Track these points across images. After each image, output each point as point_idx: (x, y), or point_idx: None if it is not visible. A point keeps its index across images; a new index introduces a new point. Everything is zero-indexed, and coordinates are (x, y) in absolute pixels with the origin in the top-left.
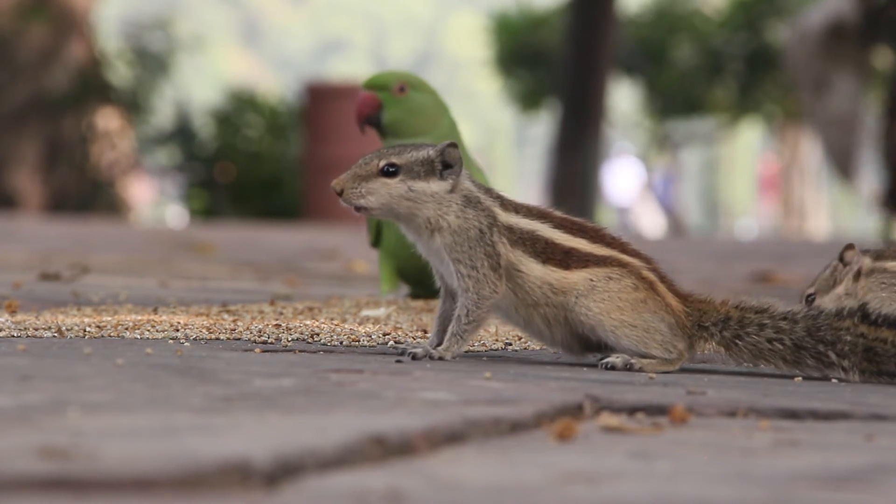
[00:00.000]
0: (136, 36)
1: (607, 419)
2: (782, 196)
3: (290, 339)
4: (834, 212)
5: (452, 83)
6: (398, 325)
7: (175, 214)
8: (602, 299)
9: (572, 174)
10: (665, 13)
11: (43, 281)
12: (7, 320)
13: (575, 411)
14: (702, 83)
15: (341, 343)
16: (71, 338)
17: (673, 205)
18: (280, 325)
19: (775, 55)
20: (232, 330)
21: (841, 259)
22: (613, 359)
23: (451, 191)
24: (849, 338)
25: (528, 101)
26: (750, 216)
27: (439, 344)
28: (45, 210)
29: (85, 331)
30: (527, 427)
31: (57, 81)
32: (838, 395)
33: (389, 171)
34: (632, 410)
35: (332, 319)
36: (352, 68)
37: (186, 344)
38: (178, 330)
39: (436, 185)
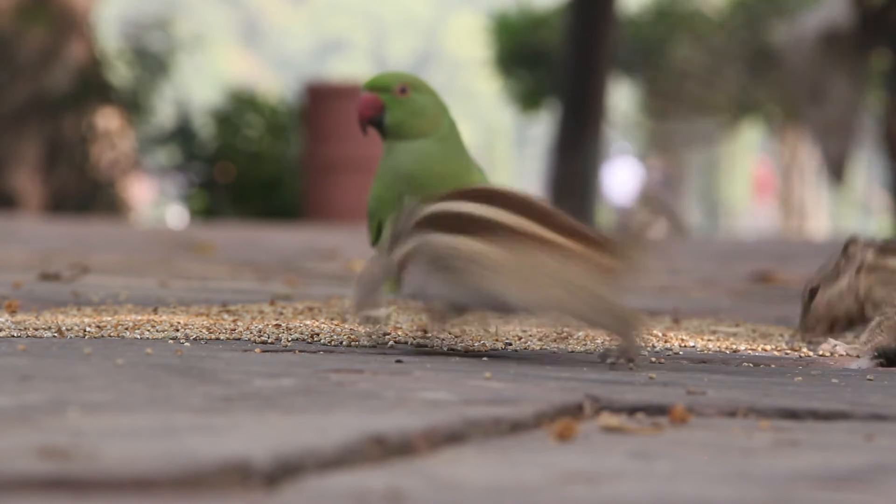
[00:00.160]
0: (136, 36)
1: (607, 419)
2: (777, 197)
3: (290, 339)
4: (834, 212)
5: (452, 83)
6: (398, 325)
7: (175, 214)
8: None
9: (572, 174)
10: (665, 13)
11: (43, 281)
12: (7, 320)
13: (575, 411)
14: (702, 83)
15: (341, 343)
16: (71, 338)
17: (673, 205)
18: (280, 325)
19: (775, 55)
20: (232, 330)
21: (844, 252)
22: None
23: None
24: None
25: (528, 101)
26: (746, 216)
27: None
28: (45, 210)
29: (85, 331)
30: (527, 427)
31: (57, 81)
32: (838, 395)
33: None
34: (632, 410)
35: (332, 319)
36: (352, 68)
37: (186, 344)
38: (178, 330)
39: None
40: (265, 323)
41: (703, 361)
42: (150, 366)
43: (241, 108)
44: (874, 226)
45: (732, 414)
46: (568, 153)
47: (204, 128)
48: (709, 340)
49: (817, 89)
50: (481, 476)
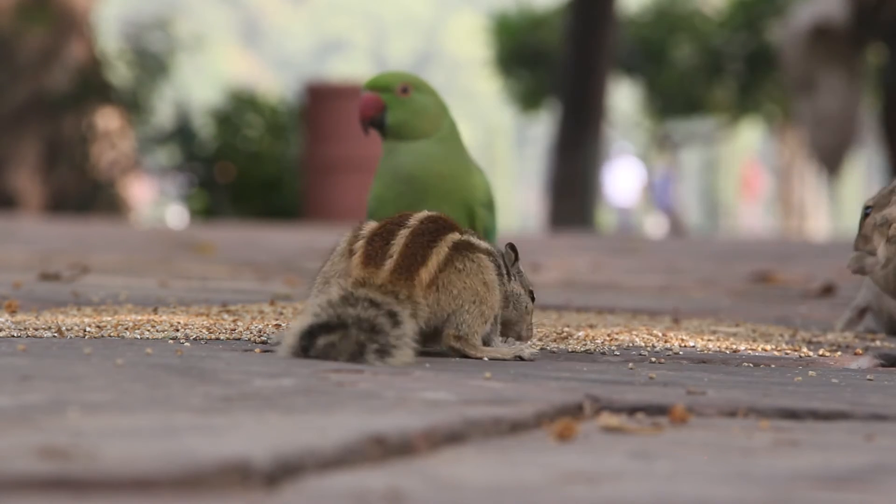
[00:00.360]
0: (136, 36)
1: (607, 419)
2: (766, 196)
3: None
4: (834, 211)
5: (452, 83)
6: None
7: (175, 214)
8: None
9: (572, 174)
10: (665, 13)
11: (43, 281)
12: (7, 320)
13: (575, 411)
14: (702, 83)
15: None
16: (71, 338)
17: (673, 205)
18: (280, 325)
19: (775, 55)
20: (232, 330)
21: None
22: None
23: None
24: None
25: (528, 101)
26: (736, 216)
27: None
28: (45, 210)
29: (85, 331)
30: (527, 427)
31: (57, 81)
32: (838, 395)
33: None
34: (632, 410)
35: None
36: (352, 68)
37: (186, 344)
38: (178, 330)
39: None
40: (265, 323)
41: (703, 361)
42: (150, 366)
43: (241, 108)
44: None
45: (732, 414)
46: (568, 153)
47: (204, 128)
48: (709, 340)
49: (810, 81)
50: (481, 476)
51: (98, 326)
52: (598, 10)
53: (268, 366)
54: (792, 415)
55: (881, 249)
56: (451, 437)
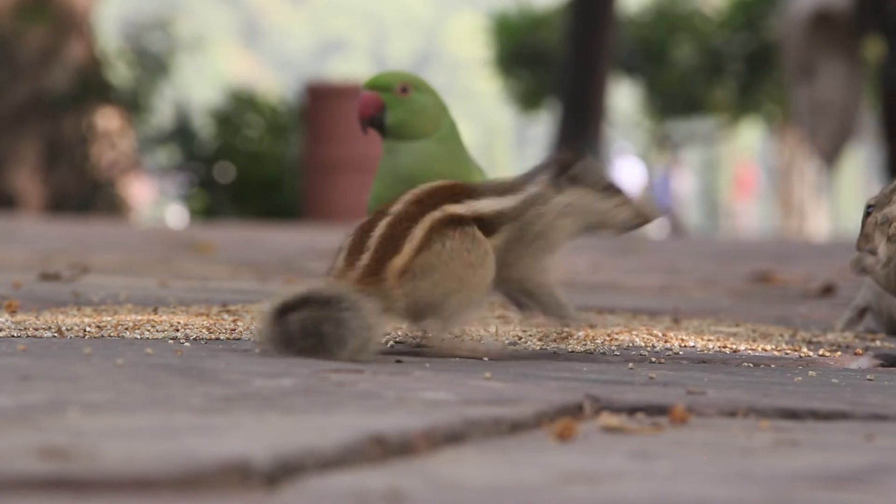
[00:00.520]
0: (136, 36)
1: (607, 419)
2: (759, 196)
3: None
4: (833, 211)
5: (452, 83)
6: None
7: (175, 214)
8: None
9: None
10: (665, 13)
11: (43, 281)
12: (7, 320)
13: (575, 411)
14: (702, 83)
15: None
16: (71, 338)
17: (673, 205)
18: None
19: (775, 55)
20: (232, 330)
21: None
22: None
23: None
24: None
25: (528, 101)
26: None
27: None
28: (45, 210)
29: (85, 331)
30: (527, 427)
31: (57, 81)
32: (838, 395)
33: None
34: (632, 410)
35: None
36: (352, 68)
37: (186, 344)
38: (178, 330)
39: None
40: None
41: (703, 361)
42: (150, 366)
43: (241, 108)
44: None
45: (732, 414)
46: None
47: (204, 128)
48: (709, 340)
49: (809, 69)
50: (481, 476)
51: (98, 326)
52: (598, 10)
53: (268, 366)
54: (792, 415)
55: (882, 248)
56: (451, 437)
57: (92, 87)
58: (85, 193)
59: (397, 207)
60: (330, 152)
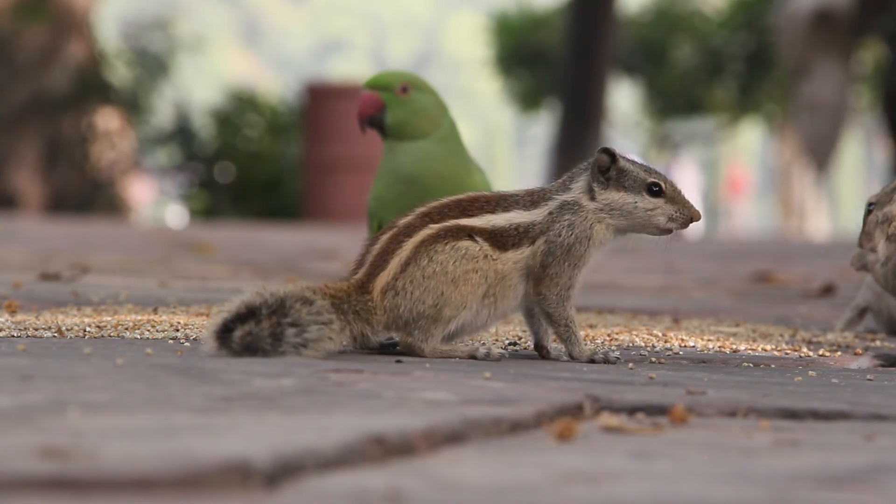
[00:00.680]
0: (136, 36)
1: (607, 419)
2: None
3: None
4: (834, 212)
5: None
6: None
7: (175, 214)
8: None
9: None
10: (665, 13)
11: (43, 281)
12: (7, 320)
13: (575, 411)
14: (702, 83)
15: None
16: (71, 338)
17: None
18: None
19: (775, 55)
20: None
21: None
22: None
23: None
24: None
25: (528, 101)
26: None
27: None
28: (45, 210)
29: (85, 331)
30: (527, 427)
31: (57, 81)
32: (838, 395)
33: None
34: (632, 410)
35: None
36: (352, 68)
37: (186, 344)
38: (178, 330)
39: None
40: None
41: (703, 361)
42: (150, 366)
43: (241, 108)
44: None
45: (732, 414)
46: (568, 153)
47: (204, 128)
48: (709, 340)
49: (804, 68)
50: (481, 476)
51: (98, 326)
52: (598, 10)
53: (268, 366)
54: (792, 415)
55: (881, 247)
56: (451, 437)
57: (92, 87)
58: (85, 193)
59: (405, 220)
60: (330, 152)
